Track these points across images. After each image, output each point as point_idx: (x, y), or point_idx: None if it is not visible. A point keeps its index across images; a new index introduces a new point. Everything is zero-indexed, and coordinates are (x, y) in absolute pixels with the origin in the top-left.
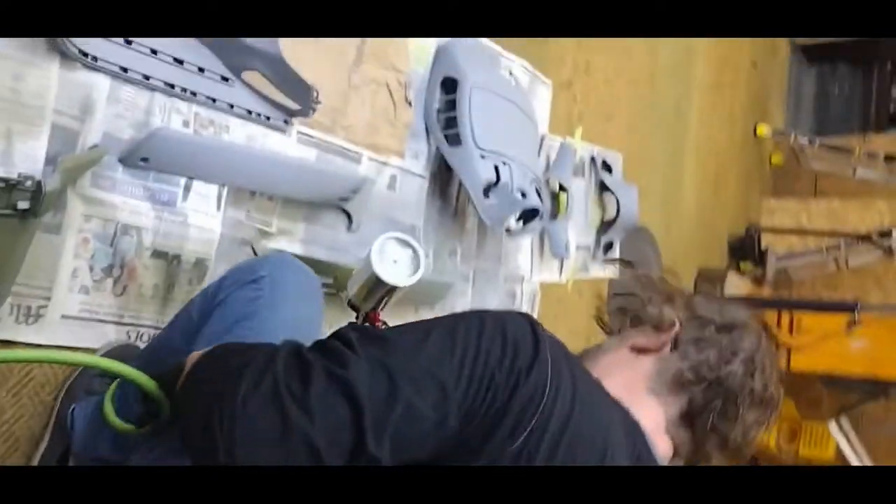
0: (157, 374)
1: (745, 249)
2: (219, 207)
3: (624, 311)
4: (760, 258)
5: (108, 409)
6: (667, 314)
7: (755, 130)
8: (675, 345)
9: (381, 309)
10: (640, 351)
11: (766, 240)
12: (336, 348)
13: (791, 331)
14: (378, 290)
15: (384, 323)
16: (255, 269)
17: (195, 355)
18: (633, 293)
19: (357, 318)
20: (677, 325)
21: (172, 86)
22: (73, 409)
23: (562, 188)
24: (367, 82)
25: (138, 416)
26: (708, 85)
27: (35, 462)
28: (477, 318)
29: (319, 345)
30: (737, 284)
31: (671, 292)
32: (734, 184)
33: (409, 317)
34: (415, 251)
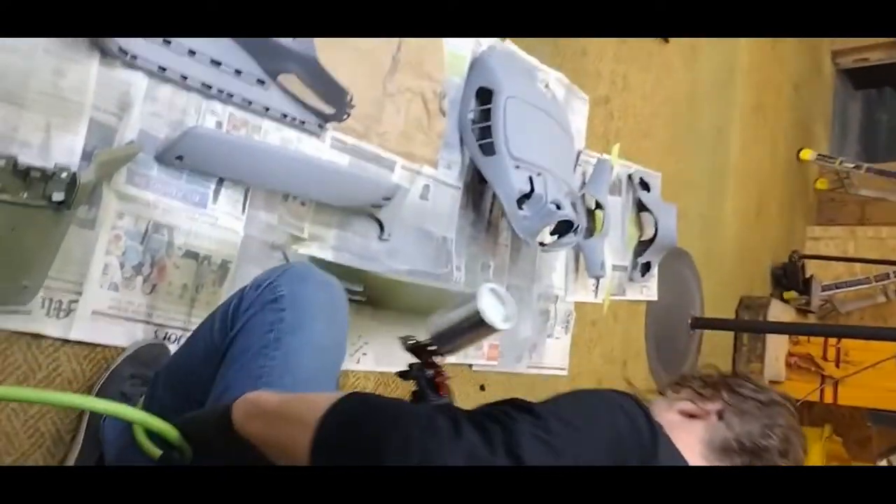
0: (192, 417)
1: (789, 277)
2: (243, 211)
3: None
4: (805, 287)
5: (140, 435)
6: (712, 388)
7: (799, 155)
8: (721, 415)
9: (450, 353)
10: (689, 416)
11: (811, 268)
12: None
13: (837, 363)
14: (473, 331)
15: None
16: (274, 286)
17: (251, 400)
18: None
19: (420, 360)
20: (725, 395)
21: (209, 86)
22: (105, 419)
23: (598, 205)
24: (402, 90)
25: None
26: (749, 106)
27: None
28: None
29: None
30: (780, 313)
31: (711, 373)
32: (777, 209)
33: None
34: (506, 303)
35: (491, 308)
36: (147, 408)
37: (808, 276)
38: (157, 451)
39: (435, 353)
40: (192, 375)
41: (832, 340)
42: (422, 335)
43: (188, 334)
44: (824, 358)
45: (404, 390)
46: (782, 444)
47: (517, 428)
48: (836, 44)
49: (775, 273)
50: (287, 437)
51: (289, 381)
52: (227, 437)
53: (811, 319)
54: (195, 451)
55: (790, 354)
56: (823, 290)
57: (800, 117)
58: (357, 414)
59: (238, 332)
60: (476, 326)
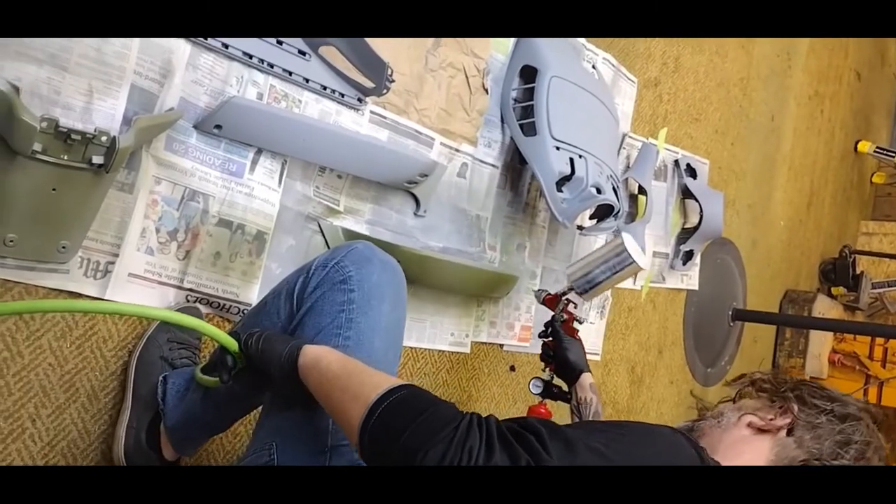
0: (258, 340)
1: (839, 273)
2: (280, 183)
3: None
4: (854, 283)
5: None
6: (782, 398)
7: (856, 146)
8: (791, 430)
9: (587, 295)
10: (758, 430)
11: (862, 264)
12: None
13: (884, 363)
14: (615, 270)
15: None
16: (341, 266)
17: (316, 353)
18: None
19: (556, 305)
20: (795, 408)
21: (250, 56)
22: (166, 378)
23: (641, 190)
24: (444, 66)
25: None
26: (807, 95)
27: (121, 430)
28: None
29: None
30: (826, 309)
31: (784, 378)
32: (830, 202)
33: (437, 303)
34: (638, 248)
35: (632, 247)
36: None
37: (858, 272)
38: (210, 379)
39: (569, 301)
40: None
41: (879, 340)
42: (550, 284)
43: (220, 299)
44: (870, 357)
45: (430, 362)
46: (857, 461)
47: (544, 462)
48: None
49: (824, 268)
50: (341, 403)
51: (363, 360)
52: (286, 374)
53: (859, 317)
54: (249, 364)
55: (834, 351)
56: (874, 288)
57: (859, 107)
58: (405, 409)
59: (307, 311)
60: (620, 263)
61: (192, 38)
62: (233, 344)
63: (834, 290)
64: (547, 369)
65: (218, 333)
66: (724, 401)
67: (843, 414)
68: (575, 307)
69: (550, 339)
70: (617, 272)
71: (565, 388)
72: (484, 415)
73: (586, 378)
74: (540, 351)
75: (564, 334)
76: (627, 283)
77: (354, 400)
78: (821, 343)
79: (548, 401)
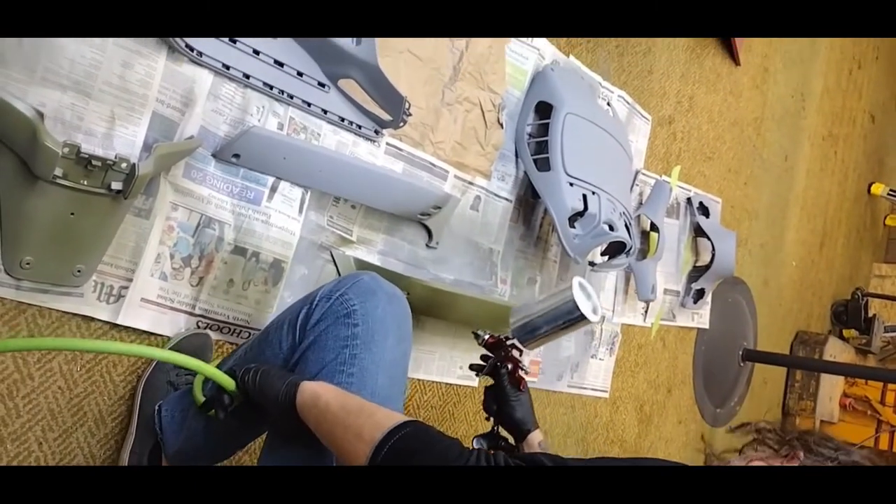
0: (255, 376)
1: (850, 315)
2: (301, 211)
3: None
4: (867, 326)
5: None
6: (788, 446)
7: (869, 188)
8: None
9: (532, 345)
10: None
11: (875, 307)
12: None
13: None
14: (562, 323)
15: (523, 368)
16: (346, 299)
17: (314, 390)
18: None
19: (495, 355)
20: (801, 456)
21: (271, 87)
22: (160, 408)
23: (653, 227)
24: (460, 101)
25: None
26: (820, 136)
27: (125, 455)
28: None
29: None
30: (838, 352)
31: (786, 429)
32: (842, 243)
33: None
34: (590, 297)
35: (582, 300)
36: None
37: (871, 314)
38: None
39: (513, 347)
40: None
41: (892, 385)
42: (491, 330)
43: (231, 326)
44: (882, 403)
45: (437, 394)
46: None
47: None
48: None
49: (836, 309)
50: (343, 441)
51: (367, 398)
52: (285, 412)
53: (870, 361)
54: (247, 401)
55: (845, 395)
56: (886, 331)
57: (873, 149)
58: (412, 448)
59: (310, 345)
60: (566, 317)
61: (215, 69)
62: (230, 383)
63: (846, 333)
64: (491, 419)
65: (214, 373)
66: (728, 451)
67: (850, 463)
68: (520, 353)
69: (490, 383)
70: (564, 328)
71: (513, 441)
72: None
73: (535, 437)
74: (483, 400)
75: (510, 387)
76: (637, 320)
77: (358, 439)
78: (832, 386)
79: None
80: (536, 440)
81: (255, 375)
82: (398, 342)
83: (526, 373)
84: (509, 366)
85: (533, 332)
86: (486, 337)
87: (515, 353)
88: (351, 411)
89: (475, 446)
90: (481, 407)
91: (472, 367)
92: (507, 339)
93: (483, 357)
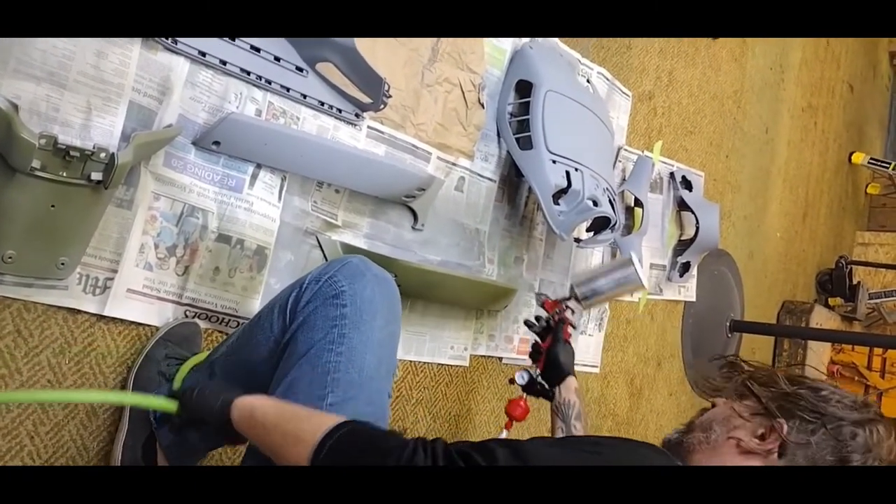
0: (195, 394)
1: (835, 283)
2: (280, 198)
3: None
4: (851, 294)
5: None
6: (777, 405)
7: (850, 158)
8: (782, 451)
9: (589, 304)
10: (747, 452)
11: (859, 274)
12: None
13: (882, 373)
14: (619, 287)
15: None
16: (334, 280)
17: (250, 403)
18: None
19: (554, 311)
20: (784, 429)
21: (248, 73)
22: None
23: (637, 203)
24: (440, 81)
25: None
26: (800, 107)
27: (118, 447)
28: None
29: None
30: (824, 320)
31: (774, 379)
32: (825, 213)
33: (436, 317)
34: (640, 267)
35: (638, 268)
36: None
37: (855, 282)
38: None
39: (566, 308)
40: (252, 365)
41: (878, 350)
42: (549, 292)
43: (219, 314)
44: (869, 368)
45: (429, 375)
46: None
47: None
48: (893, 44)
49: (821, 278)
50: (283, 448)
51: (354, 375)
52: (223, 428)
53: (856, 327)
54: (190, 418)
55: (832, 362)
56: (871, 298)
57: (853, 119)
58: (350, 446)
59: (299, 325)
60: (626, 282)
61: (191, 56)
62: (171, 407)
63: (831, 301)
64: (535, 366)
65: (152, 402)
66: (715, 397)
67: (837, 423)
68: (572, 314)
69: (542, 337)
70: (620, 286)
71: (549, 389)
72: (479, 438)
73: (572, 381)
74: (530, 349)
75: (561, 338)
76: (625, 296)
77: (297, 443)
78: (819, 354)
79: (528, 397)
80: (573, 385)
81: (192, 395)
82: (386, 323)
83: (574, 328)
84: (562, 323)
85: (595, 294)
86: (543, 298)
87: (568, 313)
88: (290, 418)
89: (518, 381)
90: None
91: (526, 322)
92: (564, 300)
93: (536, 317)
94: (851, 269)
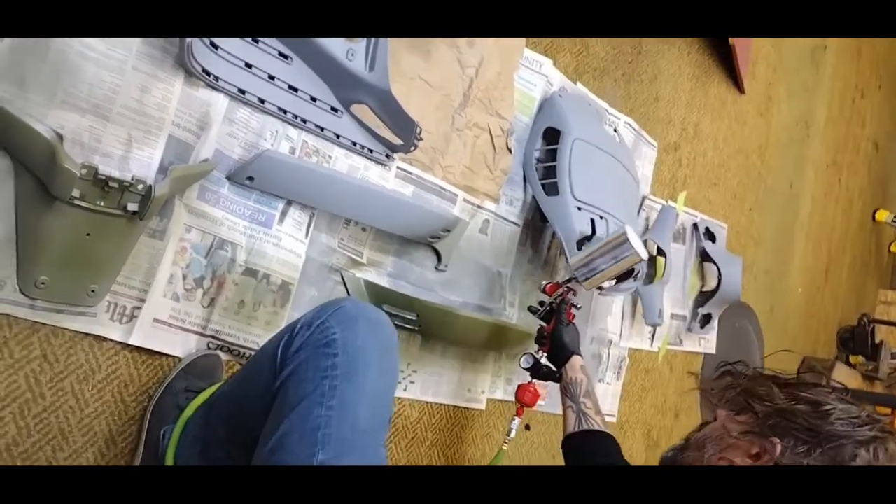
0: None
1: (857, 341)
2: (307, 234)
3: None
4: (874, 353)
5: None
6: (775, 416)
7: (874, 215)
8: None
9: (588, 282)
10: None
11: (881, 333)
12: None
13: None
14: (614, 260)
15: (575, 305)
16: (326, 327)
17: None
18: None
19: (556, 294)
20: (777, 449)
21: (285, 111)
22: (165, 433)
23: (660, 252)
24: (470, 126)
25: None
26: (825, 163)
27: None
28: None
29: None
30: (845, 378)
31: (769, 390)
32: (848, 270)
33: (455, 358)
34: (637, 241)
35: (633, 237)
36: (203, 435)
37: (877, 341)
38: None
39: (568, 290)
40: (245, 408)
41: None
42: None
43: (240, 348)
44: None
45: (445, 417)
46: None
47: None
48: None
49: (842, 336)
50: None
51: (347, 432)
52: None
53: (878, 387)
54: None
55: None
56: (893, 358)
57: (877, 176)
58: None
59: (289, 374)
60: (619, 252)
61: (230, 93)
62: None
63: (852, 359)
64: (539, 350)
65: None
66: (712, 409)
67: (835, 448)
68: (574, 295)
69: (546, 320)
70: (618, 261)
71: (555, 370)
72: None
73: (577, 360)
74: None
75: (564, 319)
76: (644, 345)
77: None
78: None
79: (537, 382)
80: (579, 363)
81: None
82: (381, 373)
83: (578, 308)
84: (563, 304)
85: (593, 270)
86: (545, 283)
87: (570, 295)
88: None
89: (522, 365)
90: (535, 339)
91: (530, 308)
92: (565, 282)
93: (540, 302)
94: (874, 327)
